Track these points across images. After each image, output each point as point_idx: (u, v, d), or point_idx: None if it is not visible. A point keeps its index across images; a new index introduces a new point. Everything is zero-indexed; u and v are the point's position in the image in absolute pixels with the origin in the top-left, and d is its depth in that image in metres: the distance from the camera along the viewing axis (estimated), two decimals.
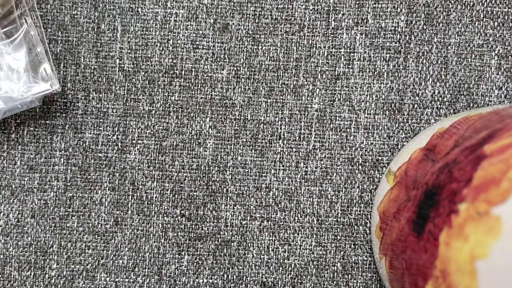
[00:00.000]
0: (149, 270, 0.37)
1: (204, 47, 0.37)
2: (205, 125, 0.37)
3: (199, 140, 0.37)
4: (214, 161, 0.37)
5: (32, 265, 0.37)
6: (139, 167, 0.37)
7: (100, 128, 0.37)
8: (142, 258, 0.37)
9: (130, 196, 0.37)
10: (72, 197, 0.37)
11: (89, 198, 0.37)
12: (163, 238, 0.37)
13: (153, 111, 0.37)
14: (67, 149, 0.37)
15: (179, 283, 0.37)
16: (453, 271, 0.26)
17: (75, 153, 0.37)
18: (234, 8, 0.37)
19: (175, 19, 0.37)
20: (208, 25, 0.37)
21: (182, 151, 0.37)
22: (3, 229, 0.37)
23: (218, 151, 0.37)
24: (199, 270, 0.37)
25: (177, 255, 0.37)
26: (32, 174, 0.37)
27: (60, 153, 0.37)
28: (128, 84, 0.37)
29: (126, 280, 0.37)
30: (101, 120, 0.37)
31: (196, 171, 0.37)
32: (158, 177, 0.37)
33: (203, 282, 0.37)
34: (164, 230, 0.37)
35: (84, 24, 0.37)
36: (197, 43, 0.37)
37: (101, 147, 0.37)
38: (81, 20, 0.37)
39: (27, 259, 0.37)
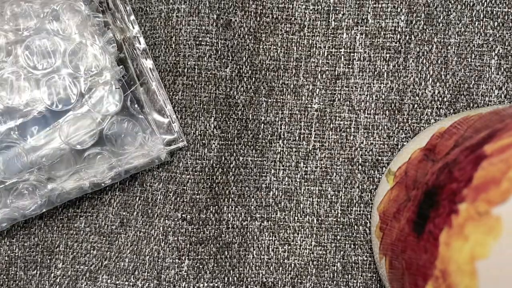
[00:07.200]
0: (148, 274, 0.37)
1: (208, 43, 0.37)
2: (209, 125, 0.37)
3: (203, 141, 0.37)
4: (218, 162, 0.37)
5: (39, 264, 0.37)
6: (149, 168, 0.37)
7: None
8: (142, 262, 0.37)
9: (137, 198, 0.37)
10: (81, 197, 0.37)
11: (98, 199, 0.37)
12: (163, 242, 0.37)
13: None
14: None
15: None
16: (453, 271, 0.26)
17: None
18: (236, 4, 0.37)
19: (177, 14, 0.37)
20: (211, 20, 0.37)
21: (186, 152, 0.37)
22: (9, 231, 0.37)
23: (222, 152, 0.37)
24: (200, 274, 0.37)
25: (177, 260, 0.37)
26: None
27: None
28: None
29: (126, 283, 0.37)
30: None
31: (200, 173, 0.37)
32: (164, 178, 0.37)
33: (203, 286, 0.37)
34: (164, 233, 0.37)
35: None
36: (200, 39, 0.37)
37: None
38: None
39: (34, 258, 0.37)
